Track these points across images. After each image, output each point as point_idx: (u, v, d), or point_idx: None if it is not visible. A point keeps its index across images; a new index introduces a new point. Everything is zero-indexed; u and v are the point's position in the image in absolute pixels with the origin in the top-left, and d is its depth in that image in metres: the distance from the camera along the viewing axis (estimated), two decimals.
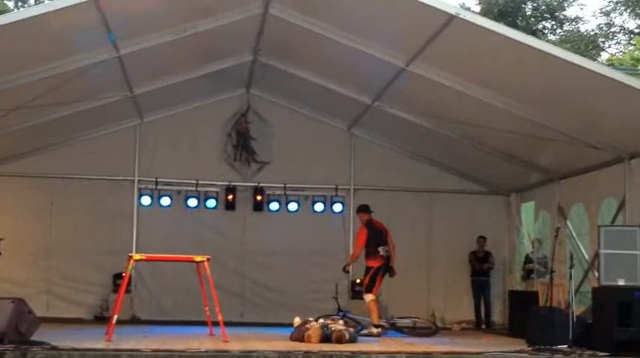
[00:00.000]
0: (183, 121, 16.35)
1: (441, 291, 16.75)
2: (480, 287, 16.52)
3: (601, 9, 38.94)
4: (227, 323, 11.84)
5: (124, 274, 11.87)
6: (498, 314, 16.55)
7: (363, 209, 13.89)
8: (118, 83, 13.59)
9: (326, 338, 11.29)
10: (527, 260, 16.11)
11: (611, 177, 12.84)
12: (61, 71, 11.74)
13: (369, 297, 13.30)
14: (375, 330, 13.02)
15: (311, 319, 12.09)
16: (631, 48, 33.95)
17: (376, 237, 13.50)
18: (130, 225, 16.13)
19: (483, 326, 16.20)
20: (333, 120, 16.62)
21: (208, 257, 11.78)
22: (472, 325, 16.35)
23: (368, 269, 13.47)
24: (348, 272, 14.58)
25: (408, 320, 13.89)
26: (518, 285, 16.24)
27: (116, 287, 15.33)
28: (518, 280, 16.43)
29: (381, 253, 13.41)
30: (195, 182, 16.25)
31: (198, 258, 11.78)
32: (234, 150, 16.44)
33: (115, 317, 11.16)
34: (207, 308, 12.16)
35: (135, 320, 15.36)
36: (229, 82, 15.44)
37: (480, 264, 16.54)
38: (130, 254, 11.91)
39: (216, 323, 11.59)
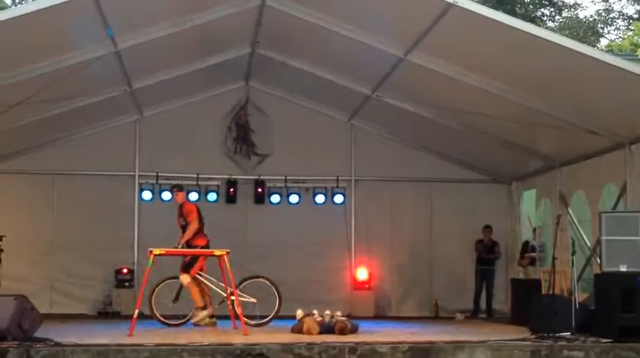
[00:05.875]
0: (183, 115, 16.34)
1: (443, 281, 16.76)
2: (485, 276, 16.47)
3: None
4: (229, 317, 11.94)
5: (147, 267, 11.77)
6: (501, 302, 16.52)
7: (182, 187, 13.43)
8: (117, 78, 13.58)
9: (329, 329, 11.32)
10: (525, 247, 16.10)
11: (611, 163, 12.83)
12: (59, 67, 11.74)
13: (186, 279, 12.56)
14: (202, 313, 12.49)
15: (314, 311, 12.10)
16: (630, 33, 33.87)
17: (200, 215, 12.97)
18: (131, 219, 16.14)
19: (484, 316, 16.18)
20: (333, 111, 16.60)
21: (228, 251, 11.81)
22: (469, 313, 16.33)
23: (193, 248, 12.67)
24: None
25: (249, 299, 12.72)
26: (520, 273, 16.23)
27: (119, 283, 15.42)
28: (517, 268, 16.42)
29: (205, 232, 12.92)
30: (195, 176, 16.25)
31: (218, 252, 11.82)
32: (234, 143, 16.44)
33: (137, 311, 11.33)
34: (229, 302, 12.16)
35: (140, 315, 15.32)
36: (228, 74, 15.42)
37: (487, 253, 16.51)
38: (150, 249, 11.88)
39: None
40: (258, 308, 12.72)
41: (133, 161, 16.30)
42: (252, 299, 12.66)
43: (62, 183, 16.02)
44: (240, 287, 12.79)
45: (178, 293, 12.83)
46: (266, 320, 12.77)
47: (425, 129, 15.54)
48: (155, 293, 12.87)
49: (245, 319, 12.45)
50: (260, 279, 13.08)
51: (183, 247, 12.68)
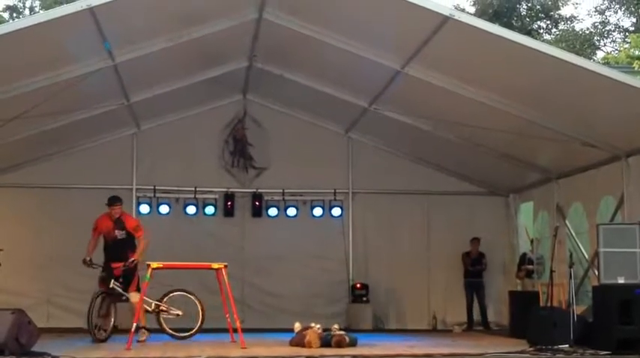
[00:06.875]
0: (181, 129, 16.34)
1: (441, 293, 16.74)
2: (474, 288, 16.45)
3: (596, 7, 39.16)
4: (227, 330, 11.90)
5: (144, 281, 11.76)
6: (499, 315, 16.49)
7: (122, 201, 13.06)
8: (114, 91, 13.58)
9: (327, 342, 11.30)
10: (522, 260, 16.08)
11: (608, 175, 12.84)
12: (56, 81, 11.72)
13: (136, 297, 12.13)
14: (146, 334, 12.27)
15: (313, 325, 12.08)
16: (626, 46, 33.95)
17: None
18: None
19: (480, 328, 16.15)
20: (330, 124, 16.62)
21: (226, 264, 11.83)
22: (465, 326, 16.30)
23: (131, 264, 12.37)
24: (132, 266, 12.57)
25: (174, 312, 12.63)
26: (518, 286, 16.21)
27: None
28: (514, 280, 16.39)
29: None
30: (193, 189, 16.25)
31: (215, 265, 11.82)
32: (231, 156, 16.45)
33: (135, 325, 11.36)
34: (227, 315, 12.13)
35: (139, 329, 15.29)
36: (226, 88, 15.44)
37: (474, 266, 16.49)
38: (148, 262, 11.89)
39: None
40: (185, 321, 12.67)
41: (130, 174, 16.29)
42: (178, 312, 12.63)
43: (60, 196, 15.98)
44: (165, 299, 12.74)
45: (109, 308, 12.63)
46: (189, 333, 12.66)
47: (422, 141, 15.56)
48: (94, 306, 12.67)
49: (171, 332, 12.58)
50: (184, 293, 12.92)
51: (127, 265, 12.31)
